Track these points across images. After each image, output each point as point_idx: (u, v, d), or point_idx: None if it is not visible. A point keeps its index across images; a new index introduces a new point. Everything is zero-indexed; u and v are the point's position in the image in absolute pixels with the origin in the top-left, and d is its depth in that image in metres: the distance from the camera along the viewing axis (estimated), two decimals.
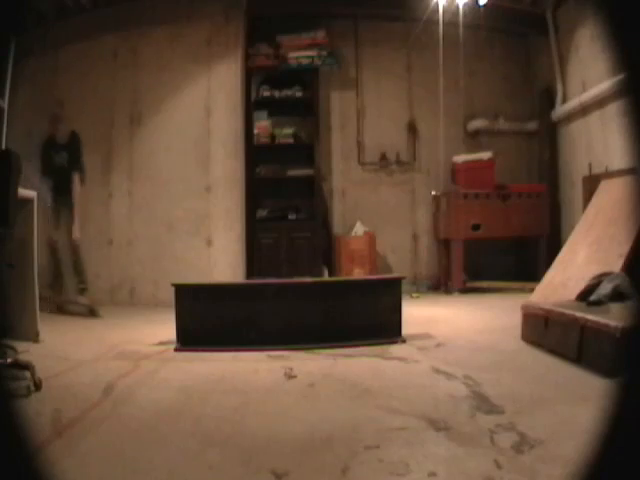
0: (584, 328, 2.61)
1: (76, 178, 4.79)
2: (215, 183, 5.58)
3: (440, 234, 6.08)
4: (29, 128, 5.63)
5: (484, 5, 5.51)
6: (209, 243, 5.56)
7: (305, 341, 3.26)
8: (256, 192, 5.97)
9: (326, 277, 5.64)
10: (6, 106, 4.90)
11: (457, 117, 6.24)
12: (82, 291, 4.86)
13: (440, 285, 6.08)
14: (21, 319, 3.46)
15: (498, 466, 1.55)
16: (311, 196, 5.94)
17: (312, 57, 5.85)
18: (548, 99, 6.12)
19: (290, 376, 2.67)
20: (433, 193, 6.20)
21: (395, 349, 3.21)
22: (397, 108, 6.40)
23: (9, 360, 2.46)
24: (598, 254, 3.73)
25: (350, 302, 3.42)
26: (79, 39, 5.66)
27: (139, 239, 5.60)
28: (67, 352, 3.25)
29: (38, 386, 2.36)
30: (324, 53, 5.87)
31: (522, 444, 1.70)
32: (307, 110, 5.97)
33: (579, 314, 2.71)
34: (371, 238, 5.97)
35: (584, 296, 3.06)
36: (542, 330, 3.03)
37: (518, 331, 3.34)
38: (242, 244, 5.64)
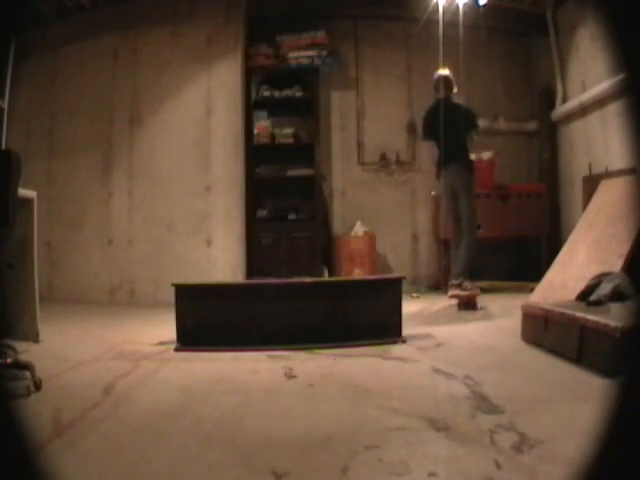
0: (584, 328, 2.61)
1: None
2: (215, 183, 5.58)
3: (440, 234, 6.06)
4: (29, 128, 5.65)
5: (484, 5, 5.52)
6: (209, 243, 5.56)
7: (305, 341, 3.25)
8: (256, 192, 5.97)
9: (326, 277, 5.64)
10: (6, 106, 4.90)
11: None
12: None
13: (440, 285, 6.07)
14: (21, 319, 3.46)
15: (498, 466, 1.55)
16: (311, 196, 5.94)
17: (312, 57, 5.85)
18: (548, 99, 6.12)
19: (290, 376, 2.67)
20: (433, 193, 6.19)
21: (395, 349, 3.21)
22: (397, 108, 6.40)
23: (9, 360, 2.46)
24: (598, 254, 3.73)
25: (350, 302, 3.42)
26: (79, 39, 5.67)
27: (139, 239, 5.60)
28: (67, 352, 3.24)
29: (38, 386, 2.36)
30: (324, 53, 5.87)
31: (522, 444, 1.70)
32: (307, 110, 5.97)
33: (579, 314, 2.71)
34: (371, 238, 5.97)
35: (584, 296, 3.06)
36: (542, 330, 3.03)
37: (518, 331, 3.34)
38: (242, 244, 5.65)
